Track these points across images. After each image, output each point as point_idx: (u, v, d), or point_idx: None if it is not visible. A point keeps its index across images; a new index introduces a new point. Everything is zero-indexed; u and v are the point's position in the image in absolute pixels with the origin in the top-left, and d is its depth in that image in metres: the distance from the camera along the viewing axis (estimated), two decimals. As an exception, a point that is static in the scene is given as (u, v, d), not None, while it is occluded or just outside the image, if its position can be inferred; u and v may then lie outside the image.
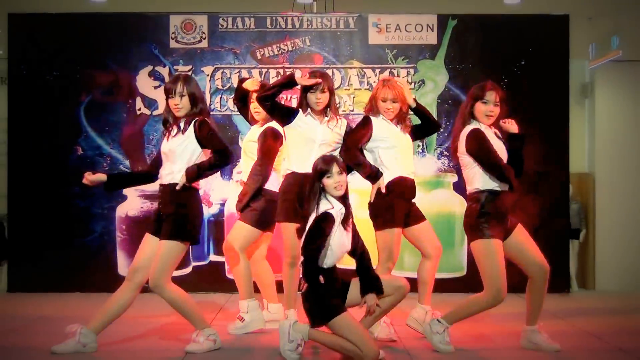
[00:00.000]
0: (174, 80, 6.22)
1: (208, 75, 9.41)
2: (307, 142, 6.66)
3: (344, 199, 5.79)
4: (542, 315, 7.08)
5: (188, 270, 9.24)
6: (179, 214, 6.02)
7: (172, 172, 6.08)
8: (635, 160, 10.38)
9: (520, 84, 9.46)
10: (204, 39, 9.48)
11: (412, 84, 9.36)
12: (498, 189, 6.10)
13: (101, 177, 6.33)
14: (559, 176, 9.46)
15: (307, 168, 6.33)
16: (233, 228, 7.02)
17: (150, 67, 9.43)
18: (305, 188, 6.00)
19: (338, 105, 9.04)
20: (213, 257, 9.30)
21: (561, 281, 9.34)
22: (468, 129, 6.18)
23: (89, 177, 6.29)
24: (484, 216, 6.04)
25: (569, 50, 9.60)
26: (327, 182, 5.74)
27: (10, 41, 9.60)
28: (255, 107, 7.03)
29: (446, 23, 9.48)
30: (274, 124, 6.91)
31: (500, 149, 6.16)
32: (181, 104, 6.14)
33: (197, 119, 6.14)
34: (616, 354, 6.14)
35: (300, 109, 6.72)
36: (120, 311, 6.14)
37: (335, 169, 5.76)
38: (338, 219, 5.71)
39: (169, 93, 6.15)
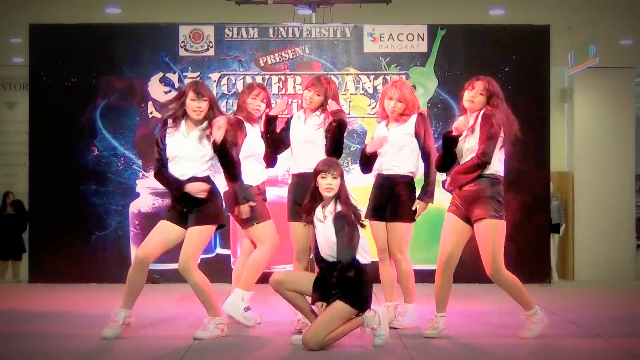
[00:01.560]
0: (199, 85, 6.14)
1: (215, 81, 9.43)
2: (293, 143, 6.62)
3: (341, 201, 5.81)
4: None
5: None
6: (207, 202, 6.04)
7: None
8: (612, 159, 10.46)
9: (504, 89, 9.44)
10: (211, 47, 9.49)
11: (404, 89, 9.37)
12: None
13: None
14: (541, 174, 9.48)
15: (299, 168, 6.45)
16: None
17: (161, 74, 9.45)
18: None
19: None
20: (219, 250, 9.33)
21: (542, 272, 9.37)
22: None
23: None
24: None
25: (550, 58, 9.61)
26: (320, 181, 5.76)
27: (31, 50, 9.63)
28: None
29: (435, 33, 9.50)
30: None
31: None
32: (203, 108, 6.13)
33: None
34: (594, 339, 6.14)
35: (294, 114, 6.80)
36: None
37: (332, 172, 5.75)
38: (329, 217, 5.77)
39: (196, 95, 6.03)
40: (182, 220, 6.11)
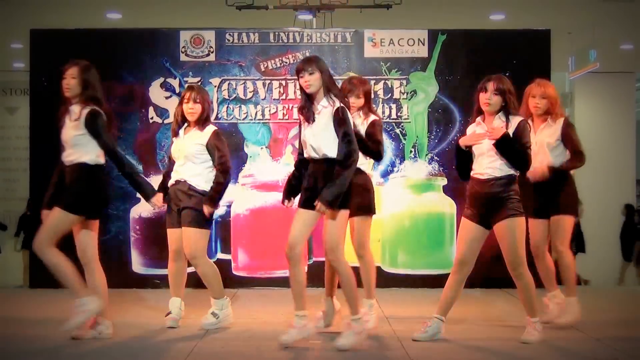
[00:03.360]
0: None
1: (215, 86, 9.44)
2: None
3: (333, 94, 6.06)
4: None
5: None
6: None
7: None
8: (613, 162, 10.47)
9: (505, 94, 9.49)
10: (212, 52, 9.51)
11: (405, 94, 9.40)
12: None
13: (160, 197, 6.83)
14: (541, 179, 9.50)
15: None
16: (186, 238, 6.73)
17: (161, 79, 9.46)
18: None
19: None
20: (220, 255, 9.34)
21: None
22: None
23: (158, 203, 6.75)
24: None
25: (551, 63, 9.61)
26: (300, 81, 6.05)
27: (32, 55, 9.64)
28: (188, 108, 6.78)
29: (436, 38, 9.51)
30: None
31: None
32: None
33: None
34: (592, 342, 6.19)
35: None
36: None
37: (307, 69, 5.99)
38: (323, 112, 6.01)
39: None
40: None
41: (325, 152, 5.91)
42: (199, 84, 9.30)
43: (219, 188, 6.69)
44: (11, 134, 14.36)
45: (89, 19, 10.40)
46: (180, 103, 6.85)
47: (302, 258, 6.08)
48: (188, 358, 5.70)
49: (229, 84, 9.46)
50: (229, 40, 9.53)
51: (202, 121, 6.75)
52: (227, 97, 9.42)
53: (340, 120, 5.86)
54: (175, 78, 9.47)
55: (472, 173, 6.26)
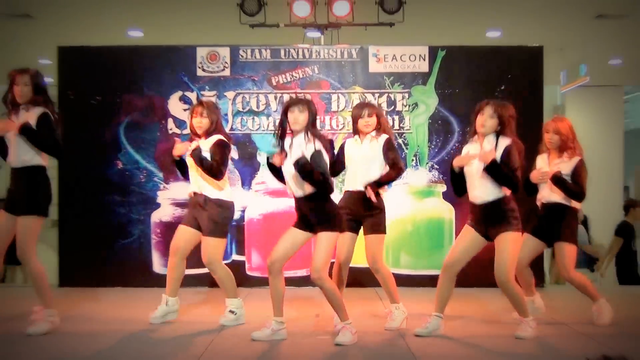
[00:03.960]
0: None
1: (230, 99, 9.47)
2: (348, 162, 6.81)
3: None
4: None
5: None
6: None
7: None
8: (602, 171, 10.46)
9: (501, 106, 9.51)
10: (227, 68, 9.55)
11: (407, 106, 9.42)
12: None
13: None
14: (536, 187, 9.48)
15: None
16: (205, 246, 6.79)
17: (180, 93, 9.49)
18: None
19: (342, 126, 9.20)
20: (235, 257, 9.37)
21: (538, 277, 9.37)
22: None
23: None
24: None
25: (543, 77, 9.62)
26: (289, 115, 6.10)
27: (60, 70, 9.69)
28: (197, 122, 6.81)
29: (436, 53, 9.53)
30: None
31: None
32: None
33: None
34: (582, 338, 6.21)
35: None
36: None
37: (299, 107, 6.06)
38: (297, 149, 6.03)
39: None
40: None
41: (306, 190, 6.04)
42: (215, 97, 9.36)
43: (207, 163, 6.64)
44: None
45: (112, 37, 10.45)
46: (190, 117, 6.89)
47: (281, 271, 6.15)
48: (205, 352, 5.73)
49: (242, 97, 9.49)
50: (242, 56, 9.57)
51: (209, 133, 6.78)
52: (241, 109, 9.46)
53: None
54: (192, 92, 9.51)
55: (468, 193, 6.33)
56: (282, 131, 6.14)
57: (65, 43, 9.74)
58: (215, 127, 6.80)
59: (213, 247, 6.70)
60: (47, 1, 9.93)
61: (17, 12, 10.36)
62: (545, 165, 7.01)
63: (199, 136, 6.80)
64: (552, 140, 6.97)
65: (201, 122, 6.76)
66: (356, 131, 6.78)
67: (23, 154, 6.29)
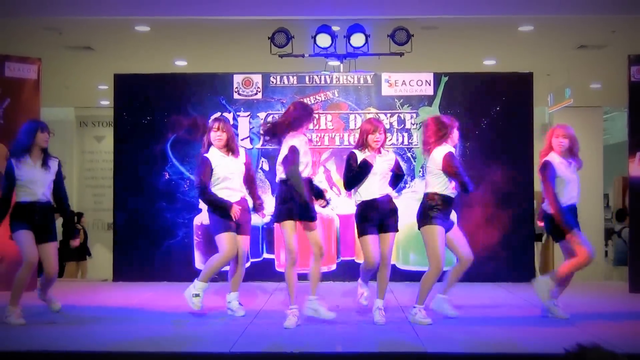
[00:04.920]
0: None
1: (262, 119, 9.48)
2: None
3: None
4: (513, 299, 7.08)
5: (247, 264, 9.29)
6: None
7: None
8: (583, 181, 10.35)
9: (496, 124, 9.49)
10: (259, 92, 9.57)
11: (415, 124, 9.40)
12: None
13: None
14: (526, 194, 9.44)
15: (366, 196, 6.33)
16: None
17: (219, 113, 9.48)
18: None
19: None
20: (266, 255, 9.36)
21: (528, 273, 9.30)
22: None
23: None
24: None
25: (533, 99, 9.58)
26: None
27: (116, 94, 9.76)
28: (217, 136, 6.75)
29: (439, 79, 9.52)
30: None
31: None
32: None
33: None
34: (567, 329, 6.13)
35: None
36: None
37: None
38: None
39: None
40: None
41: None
42: (249, 117, 9.38)
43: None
44: (99, 158, 14.55)
45: (160, 65, 10.49)
46: (208, 131, 6.79)
47: None
48: (245, 331, 5.73)
49: (272, 117, 9.49)
50: (272, 82, 9.59)
51: (228, 146, 6.74)
52: (271, 127, 9.45)
53: None
54: (230, 112, 9.53)
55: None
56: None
57: (120, 71, 9.82)
58: (232, 140, 6.78)
59: None
60: (105, 35, 9.98)
61: (80, 45, 10.43)
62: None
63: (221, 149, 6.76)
64: (563, 143, 6.51)
65: (221, 136, 6.70)
66: (363, 144, 6.37)
67: None
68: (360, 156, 6.33)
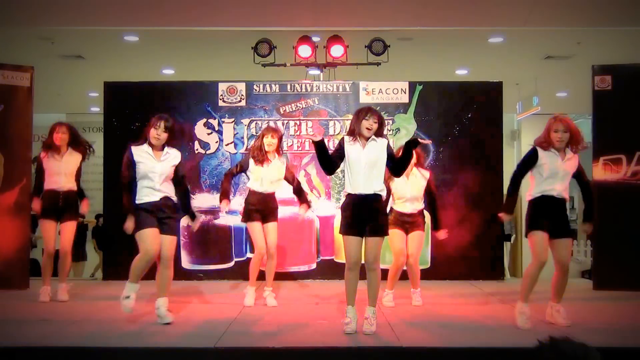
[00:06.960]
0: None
1: (246, 125, 9.48)
2: (353, 166, 5.66)
3: None
4: (485, 296, 7.08)
5: (231, 264, 9.30)
6: None
7: None
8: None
9: (468, 131, 9.53)
10: (243, 99, 9.55)
11: (391, 131, 9.42)
12: None
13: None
14: (496, 197, 9.44)
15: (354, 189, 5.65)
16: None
17: (204, 120, 9.51)
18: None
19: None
20: (249, 255, 9.33)
21: (497, 272, 9.37)
22: None
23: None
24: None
25: (502, 107, 9.63)
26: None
27: (105, 101, 9.71)
28: (270, 141, 7.12)
29: (414, 88, 9.55)
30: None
31: None
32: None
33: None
34: (538, 323, 6.15)
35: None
36: None
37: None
38: None
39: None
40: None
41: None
42: (233, 123, 9.37)
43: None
44: (89, 162, 14.38)
45: (148, 74, 10.48)
46: (261, 137, 7.13)
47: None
48: (229, 328, 5.71)
49: (256, 123, 9.50)
50: (256, 90, 9.58)
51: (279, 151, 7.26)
52: (254, 133, 9.44)
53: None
54: (215, 119, 9.52)
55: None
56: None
57: (110, 79, 9.76)
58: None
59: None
60: (95, 44, 9.95)
61: (71, 54, 10.39)
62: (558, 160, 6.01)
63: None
64: (563, 138, 5.95)
65: (271, 142, 7.08)
66: (353, 132, 5.69)
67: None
68: (347, 141, 5.69)
